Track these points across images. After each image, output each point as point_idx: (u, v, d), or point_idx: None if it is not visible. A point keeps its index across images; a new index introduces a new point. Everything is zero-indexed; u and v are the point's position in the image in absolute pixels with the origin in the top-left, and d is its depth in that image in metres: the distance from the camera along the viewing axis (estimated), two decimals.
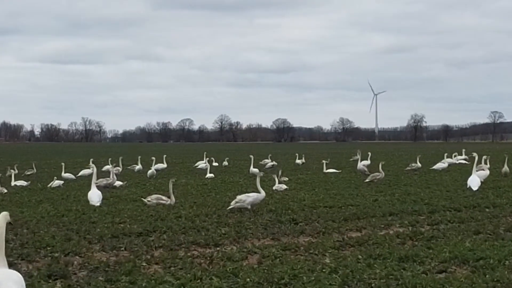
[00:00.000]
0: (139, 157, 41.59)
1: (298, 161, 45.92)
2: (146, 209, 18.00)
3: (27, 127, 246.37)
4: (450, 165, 37.74)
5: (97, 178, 31.03)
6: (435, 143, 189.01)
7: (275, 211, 17.27)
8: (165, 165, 41.08)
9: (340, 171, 36.62)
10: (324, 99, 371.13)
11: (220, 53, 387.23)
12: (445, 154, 40.20)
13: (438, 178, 30.31)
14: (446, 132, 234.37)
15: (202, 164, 43.47)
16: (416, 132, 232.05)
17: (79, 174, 35.32)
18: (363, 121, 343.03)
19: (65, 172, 34.10)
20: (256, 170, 34.21)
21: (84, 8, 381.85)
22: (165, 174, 37.22)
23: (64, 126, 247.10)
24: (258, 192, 18.16)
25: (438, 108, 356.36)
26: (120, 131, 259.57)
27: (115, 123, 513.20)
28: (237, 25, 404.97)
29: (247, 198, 17.59)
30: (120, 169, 37.52)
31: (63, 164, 35.47)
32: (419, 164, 34.57)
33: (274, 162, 41.10)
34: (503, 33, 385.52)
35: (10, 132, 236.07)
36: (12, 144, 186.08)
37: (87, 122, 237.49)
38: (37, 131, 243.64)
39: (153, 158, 36.34)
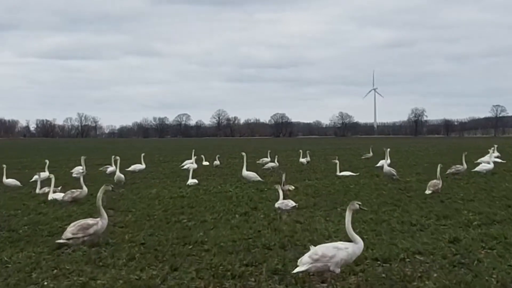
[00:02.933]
0: (113, 156, 33.03)
1: (302, 159, 37.52)
2: (46, 261, 9.55)
3: (23, 123, 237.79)
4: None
5: (41, 188, 22.98)
6: (436, 138, 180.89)
7: (284, 270, 8.79)
8: (143, 166, 32.90)
9: (357, 173, 28.17)
10: (323, 94, 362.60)
11: (219, 48, 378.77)
12: (491, 150, 31.70)
13: (496, 185, 21.89)
14: (447, 126, 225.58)
15: (189, 163, 35.21)
16: (417, 126, 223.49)
17: (32, 179, 27.15)
18: (362, 115, 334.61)
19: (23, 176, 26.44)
20: (250, 174, 25.68)
21: (83, 3, 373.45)
22: (141, 178, 28.88)
23: (60, 121, 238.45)
24: (350, 240, 8.94)
25: (437, 103, 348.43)
26: (118, 127, 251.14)
27: (114, 118, 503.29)
28: (236, 20, 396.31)
29: (337, 252, 8.55)
30: (82, 171, 29.17)
31: (4, 166, 26.95)
32: (465, 166, 26.09)
33: (274, 163, 32.58)
34: (503, 27, 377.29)
35: (4, 127, 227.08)
36: (6, 140, 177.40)
37: (83, 118, 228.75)
38: (32, 127, 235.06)
39: (118, 157, 27.69)
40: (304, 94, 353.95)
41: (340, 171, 28.13)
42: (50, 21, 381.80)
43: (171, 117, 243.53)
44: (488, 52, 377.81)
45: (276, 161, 32.55)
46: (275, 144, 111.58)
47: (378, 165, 32.63)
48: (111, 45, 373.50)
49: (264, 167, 32.19)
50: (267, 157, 37.75)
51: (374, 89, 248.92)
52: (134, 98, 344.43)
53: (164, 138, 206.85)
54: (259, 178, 25.08)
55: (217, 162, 36.74)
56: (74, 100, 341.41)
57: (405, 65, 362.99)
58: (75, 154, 60.65)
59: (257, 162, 37.65)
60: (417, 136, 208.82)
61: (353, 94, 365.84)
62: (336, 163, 29.33)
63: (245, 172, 25.45)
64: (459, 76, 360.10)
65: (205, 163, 38.83)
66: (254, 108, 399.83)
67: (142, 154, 34.32)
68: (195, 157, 36.84)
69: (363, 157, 42.01)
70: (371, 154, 41.92)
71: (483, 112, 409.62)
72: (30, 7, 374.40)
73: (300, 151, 38.40)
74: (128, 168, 32.97)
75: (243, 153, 27.19)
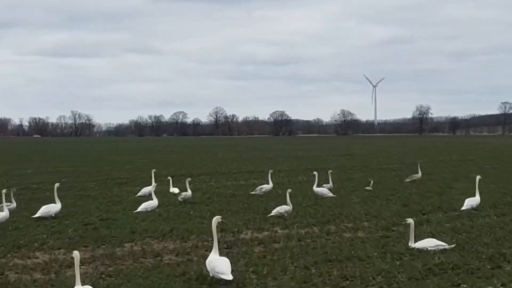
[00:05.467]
0: (4, 191, 18.31)
1: (320, 189, 22.45)
2: None
3: (16, 121, 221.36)
4: None
5: None
6: (444, 137, 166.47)
7: None
8: (56, 207, 18.50)
9: (453, 245, 12.99)
10: (322, 92, 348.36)
11: (218, 45, 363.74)
12: None
13: None
14: (453, 124, 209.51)
15: (147, 192, 20.97)
16: (421, 124, 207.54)
17: None
18: (361, 113, 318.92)
19: None
20: (220, 264, 10.44)
21: (82, 1, 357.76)
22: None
23: (54, 119, 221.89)
24: None
25: (437, 100, 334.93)
26: (116, 125, 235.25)
27: (113, 116, 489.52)
28: (235, 18, 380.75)
29: None
30: None
31: None
32: None
33: (288, 206, 17.27)
34: (502, 24, 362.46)
35: None
36: None
37: (77, 116, 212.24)
38: (25, 125, 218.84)
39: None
40: (304, 91, 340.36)
41: (414, 237, 13.08)
42: (49, 19, 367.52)
43: (169, 115, 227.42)
44: (488, 50, 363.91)
45: (288, 199, 17.51)
46: (274, 144, 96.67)
47: (465, 207, 17.82)
48: (110, 42, 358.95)
49: (272, 214, 17.26)
50: (267, 183, 23.24)
51: (374, 87, 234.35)
52: (133, 96, 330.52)
53: (160, 137, 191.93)
54: (229, 276, 10.17)
55: (188, 194, 21.76)
56: (73, 98, 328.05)
57: (404, 63, 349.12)
58: (36, 159, 45.46)
59: (251, 193, 23.07)
60: (421, 134, 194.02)
61: (353, 92, 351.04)
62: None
63: (212, 260, 10.52)
64: (458, 73, 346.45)
65: (173, 190, 24.48)
66: (253, 106, 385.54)
67: (56, 186, 19.42)
68: (156, 184, 22.42)
69: (408, 180, 26.95)
70: (420, 174, 27.00)
71: (483, 109, 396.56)
72: (29, 5, 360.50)
73: (315, 174, 23.07)
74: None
75: (219, 221, 11.66)
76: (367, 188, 24.44)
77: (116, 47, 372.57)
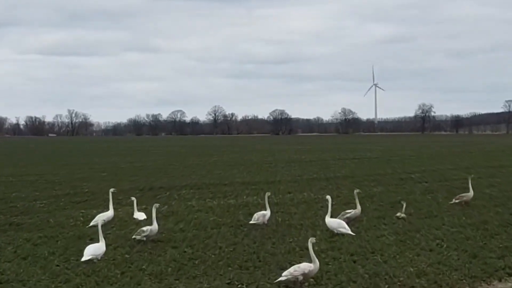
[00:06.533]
0: None
1: (333, 222, 15.52)
2: None
3: (12, 120, 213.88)
4: None
5: None
6: (444, 135, 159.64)
7: None
8: None
9: None
10: (322, 90, 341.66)
11: (218, 44, 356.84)
12: None
13: None
14: (456, 123, 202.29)
15: (94, 247, 13.60)
16: (424, 123, 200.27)
17: None
18: (361, 112, 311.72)
19: None
20: None
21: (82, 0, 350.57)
22: None
23: (50, 118, 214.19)
24: None
25: (438, 99, 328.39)
26: (115, 124, 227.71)
27: (111, 115, 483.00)
28: (235, 16, 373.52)
29: None
30: None
31: None
32: None
33: (310, 266, 10.54)
34: (504, 22, 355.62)
35: None
36: None
37: (73, 115, 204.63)
38: (22, 124, 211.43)
39: None
40: (304, 90, 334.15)
41: None
42: (49, 18, 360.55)
43: (167, 114, 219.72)
44: (489, 48, 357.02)
45: (312, 252, 10.78)
46: (273, 144, 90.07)
47: None
48: (110, 41, 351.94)
49: (282, 279, 10.58)
50: (265, 209, 16.53)
51: (375, 85, 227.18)
52: (133, 94, 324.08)
53: (157, 136, 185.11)
54: None
55: (153, 229, 14.83)
56: (72, 97, 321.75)
57: (405, 61, 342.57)
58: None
59: (250, 222, 16.40)
60: (423, 133, 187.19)
61: (353, 90, 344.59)
62: None
63: None
64: (460, 72, 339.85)
65: (138, 215, 17.83)
66: (253, 104, 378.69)
67: None
68: (104, 220, 15.80)
69: (457, 201, 19.75)
70: (471, 193, 19.89)
71: (485, 108, 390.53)
72: (29, 4, 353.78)
73: (328, 198, 15.95)
74: None
75: None
76: (398, 214, 17.65)
77: (116, 46, 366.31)
